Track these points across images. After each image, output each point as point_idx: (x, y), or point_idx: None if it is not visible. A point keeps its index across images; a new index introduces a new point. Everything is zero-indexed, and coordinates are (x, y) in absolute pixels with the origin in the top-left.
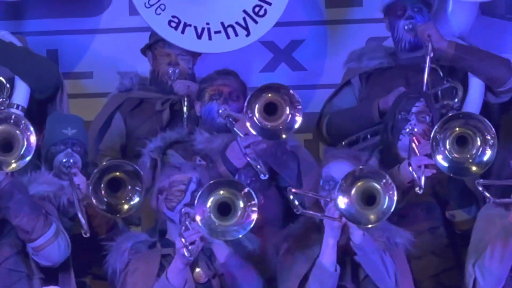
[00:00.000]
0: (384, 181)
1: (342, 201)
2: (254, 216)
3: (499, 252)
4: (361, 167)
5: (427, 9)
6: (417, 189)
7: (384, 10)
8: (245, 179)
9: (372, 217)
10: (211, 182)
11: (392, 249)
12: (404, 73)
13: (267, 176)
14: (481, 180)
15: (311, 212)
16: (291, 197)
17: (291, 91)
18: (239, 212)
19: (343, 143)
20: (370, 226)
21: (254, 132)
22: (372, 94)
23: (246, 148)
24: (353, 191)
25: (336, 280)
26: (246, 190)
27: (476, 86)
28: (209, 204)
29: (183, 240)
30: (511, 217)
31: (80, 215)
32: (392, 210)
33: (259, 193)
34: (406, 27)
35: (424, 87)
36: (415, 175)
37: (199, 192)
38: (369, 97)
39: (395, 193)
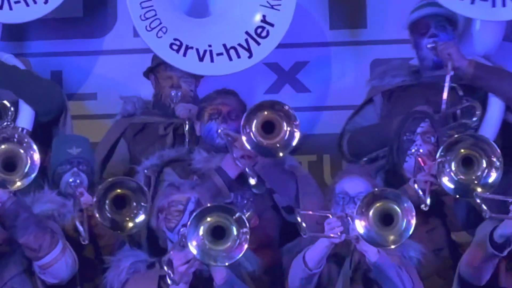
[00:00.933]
0: (405, 205)
1: (359, 224)
2: (245, 246)
3: (469, 261)
4: (377, 188)
5: (452, 27)
6: (422, 206)
7: (409, 28)
8: (241, 200)
9: (391, 237)
10: (204, 207)
11: (407, 264)
12: (425, 92)
13: (255, 178)
14: (479, 193)
15: (317, 233)
16: (299, 219)
17: (287, 107)
18: (233, 238)
19: (363, 160)
20: (389, 247)
21: (249, 148)
22: (393, 111)
23: (240, 158)
24: (370, 213)
25: (312, 281)
26: (237, 215)
27: (495, 105)
28: (202, 227)
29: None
30: None
31: (78, 223)
32: (410, 232)
33: (255, 214)
34: (429, 46)
35: (443, 106)
36: (420, 192)
37: (193, 215)
38: (390, 115)
39: (414, 217)
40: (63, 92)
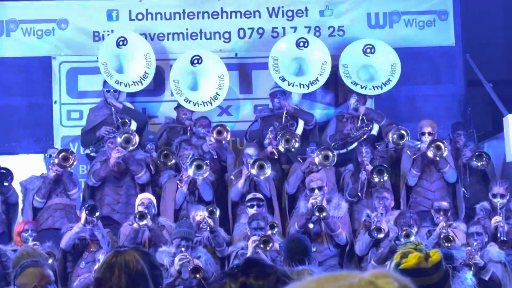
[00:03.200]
0: None
1: None
2: None
3: None
4: None
5: (285, 95)
6: None
7: (269, 95)
8: None
9: None
10: None
11: None
12: (276, 118)
13: None
14: None
15: None
16: None
17: None
18: None
19: None
20: None
21: None
22: (264, 126)
23: None
24: None
25: None
26: None
27: (301, 123)
28: None
29: None
30: None
31: None
32: None
33: None
34: (276, 100)
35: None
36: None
37: None
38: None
39: None
40: None
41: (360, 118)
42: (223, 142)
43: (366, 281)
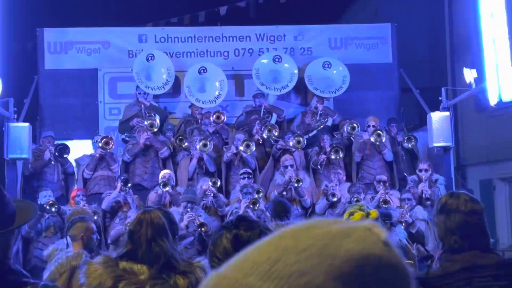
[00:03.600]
0: None
1: None
2: None
3: None
4: None
5: (264, 96)
6: None
7: (252, 96)
8: None
9: None
10: None
11: None
12: (257, 112)
13: None
14: None
15: None
16: None
17: None
18: None
19: None
20: None
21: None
22: (248, 118)
23: None
24: None
25: None
26: None
27: (274, 116)
28: None
29: None
30: None
31: None
32: None
33: None
34: (257, 100)
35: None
36: None
37: None
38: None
39: None
40: None
41: (319, 113)
42: (221, 123)
43: (365, 227)
